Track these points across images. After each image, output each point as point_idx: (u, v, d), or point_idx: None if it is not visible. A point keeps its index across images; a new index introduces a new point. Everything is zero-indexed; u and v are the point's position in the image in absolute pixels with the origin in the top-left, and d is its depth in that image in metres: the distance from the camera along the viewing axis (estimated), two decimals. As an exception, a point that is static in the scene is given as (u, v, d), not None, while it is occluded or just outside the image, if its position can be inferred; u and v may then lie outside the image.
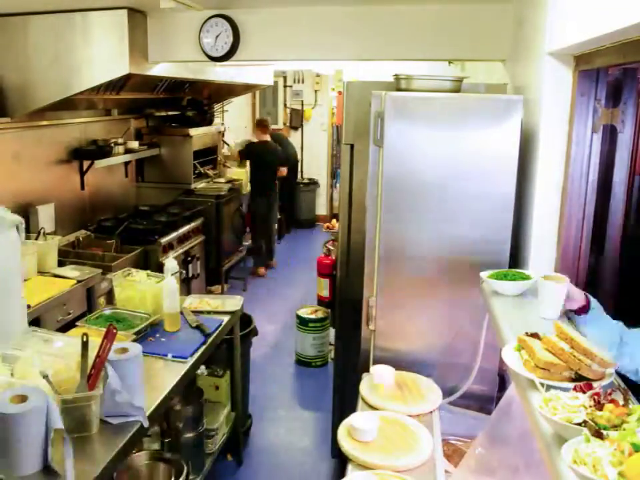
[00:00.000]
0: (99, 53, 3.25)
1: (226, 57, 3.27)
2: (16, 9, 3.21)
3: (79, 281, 3.24)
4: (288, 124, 8.90)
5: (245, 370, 3.34)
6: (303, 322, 4.41)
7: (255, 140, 6.33)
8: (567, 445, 1.01)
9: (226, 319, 2.82)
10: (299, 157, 8.64)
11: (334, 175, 8.92)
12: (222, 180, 5.83)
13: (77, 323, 2.57)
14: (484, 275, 2.01)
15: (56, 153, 3.95)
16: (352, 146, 2.75)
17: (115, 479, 2.18)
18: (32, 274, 3.24)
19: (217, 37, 3.24)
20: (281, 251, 7.14)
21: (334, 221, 4.83)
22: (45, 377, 1.75)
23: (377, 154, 2.29)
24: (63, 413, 1.71)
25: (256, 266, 6.34)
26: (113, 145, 4.38)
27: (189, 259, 4.59)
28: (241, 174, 6.20)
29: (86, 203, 4.32)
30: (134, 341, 2.33)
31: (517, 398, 1.52)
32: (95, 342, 1.85)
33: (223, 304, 2.96)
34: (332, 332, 4.16)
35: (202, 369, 3.05)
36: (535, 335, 1.43)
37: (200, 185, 5.39)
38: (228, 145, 6.60)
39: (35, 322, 2.80)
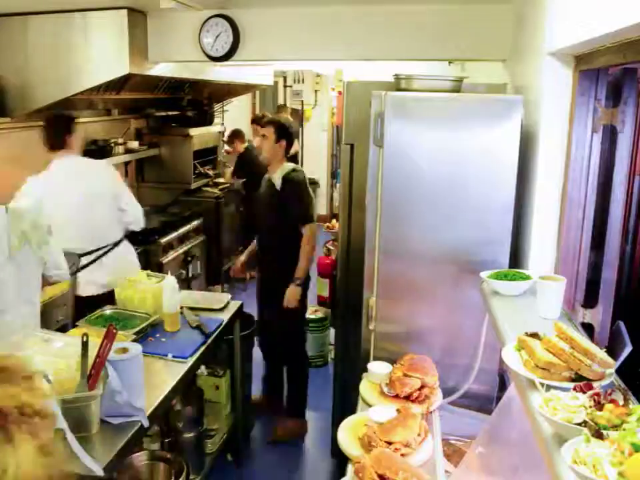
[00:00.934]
0: (99, 53, 3.25)
1: (226, 57, 3.27)
2: (16, 8, 3.21)
3: (79, 281, 3.24)
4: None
5: (245, 370, 3.33)
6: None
7: (238, 151, 6.04)
8: (566, 445, 1.01)
9: (226, 318, 2.82)
10: (299, 157, 8.64)
11: (334, 175, 8.92)
12: (222, 180, 5.82)
13: (76, 323, 2.57)
14: (484, 274, 2.01)
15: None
16: (352, 146, 2.75)
17: (115, 479, 2.18)
18: (32, 274, 3.24)
19: (217, 37, 3.24)
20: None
21: (334, 221, 4.83)
22: (45, 376, 1.75)
23: (376, 154, 2.29)
24: (63, 413, 1.71)
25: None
26: (112, 144, 4.38)
27: (189, 258, 4.59)
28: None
29: (86, 202, 4.31)
30: (134, 341, 2.33)
31: (516, 398, 1.52)
32: (95, 342, 1.85)
33: (209, 301, 2.96)
34: (332, 332, 4.16)
35: (202, 369, 3.05)
36: (534, 335, 1.44)
37: (200, 185, 5.38)
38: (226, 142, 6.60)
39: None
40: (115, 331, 1.87)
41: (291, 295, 3.21)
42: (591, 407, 1.10)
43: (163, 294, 2.59)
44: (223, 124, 6.08)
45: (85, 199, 3.08)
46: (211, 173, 5.62)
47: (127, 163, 4.86)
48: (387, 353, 2.39)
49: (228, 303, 2.99)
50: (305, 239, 3.21)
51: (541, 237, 2.19)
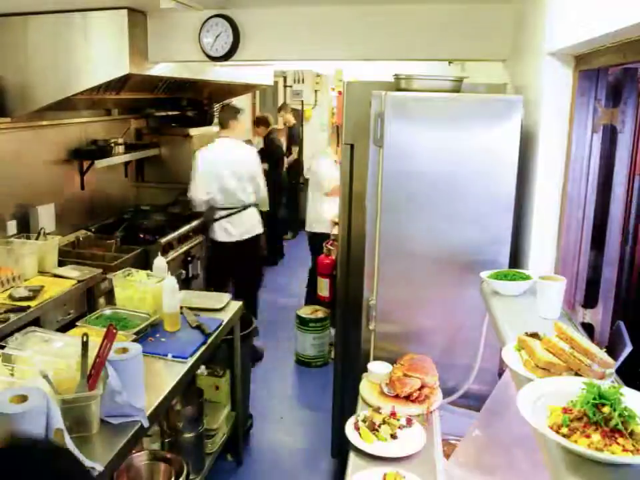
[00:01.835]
0: (98, 53, 3.25)
1: (226, 56, 3.27)
2: (16, 8, 3.21)
3: (79, 281, 3.24)
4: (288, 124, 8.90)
5: (245, 370, 3.34)
6: (303, 322, 4.41)
7: (262, 135, 6.65)
8: None
9: (226, 318, 2.82)
10: (299, 157, 8.65)
11: (334, 175, 8.91)
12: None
13: (76, 323, 2.57)
14: (484, 274, 2.01)
15: (56, 153, 3.95)
16: (352, 146, 2.75)
17: (114, 479, 2.18)
18: (32, 274, 3.24)
19: (217, 36, 3.24)
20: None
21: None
22: (45, 376, 1.76)
23: (376, 154, 2.29)
24: (63, 413, 1.72)
25: None
26: (113, 144, 4.37)
27: (189, 258, 4.58)
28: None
29: (86, 202, 4.32)
30: (134, 341, 2.33)
31: (511, 382, 1.52)
32: (95, 342, 1.85)
33: (209, 301, 2.96)
34: (332, 332, 4.17)
35: (202, 369, 3.05)
36: (534, 335, 1.44)
37: (200, 185, 5.37)
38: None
39: (35, 322, 2.80)
40: (114, 331, 1.87)
41: None
42: None
43: (163, 294, 2.59)
44: (222, 124, 6.08)
45: (231, 169, 4.21)
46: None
47: (126, 163, 4.85)
48: (387, 352, 2.39)
49: (228, 302, 2.99)
50: None
51: (541, 237, 2.19)
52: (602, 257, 2.12)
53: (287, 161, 7.67)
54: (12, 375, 1.86)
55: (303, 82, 8.86)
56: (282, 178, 6.96)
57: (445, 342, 2.35)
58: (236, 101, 6.54)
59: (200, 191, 4.21)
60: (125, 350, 1.92)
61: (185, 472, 2.31)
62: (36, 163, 3.76)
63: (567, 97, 2.05)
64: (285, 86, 8.88)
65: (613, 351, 1.41)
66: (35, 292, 2.95)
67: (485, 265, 2.13)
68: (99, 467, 1.62)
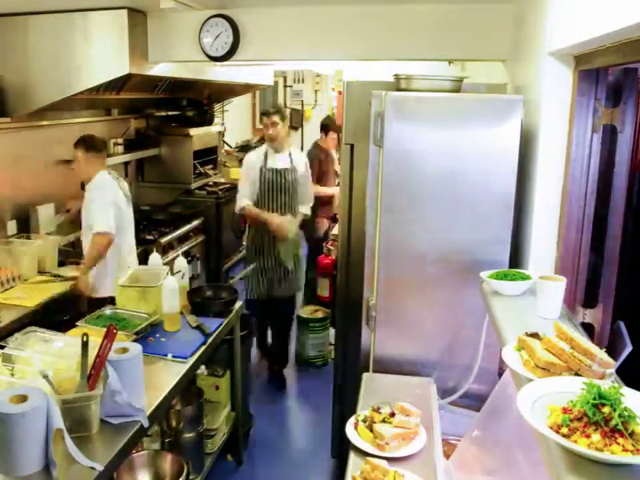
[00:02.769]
0: (98, 53, 3.25)
1: (226, 56, 3.27)
2: (16, 8, 3.21)
3: (79, 281, 3.24)
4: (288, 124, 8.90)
5: (245, 370, 3.34)
6: (303, 322, 4.40)
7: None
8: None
9: (226, 318, 2.82)
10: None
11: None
12: (222, 180, 5.82)
13: (76, 323, 2.57)
14: (484, 274, 2.01)
15: (56, 153, 3.95)
16: (352, 146, 2.75)
17: (115, 479, 2.18)
18: (32, 274, 3.24)
19: (217, 36, 3.24)
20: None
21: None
22: (45, 376, 1.75)
23: (376, 154, 2.29)
24: (63, 413, 1.72)
25: None
26: (112, 145, 4.38)
27: (189, 258, 4.59)
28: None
29: (86, 202, 4.31)
30: (134, 341, 2.33)
31: (511, 383, 1.52)
32: (95, 342, 1.85)
33: None
34: (332, 332, 4.16)
35: (202, 369, 3.05)
36: (534, 335, 1.43)
37: (200, 184, 5.38)
38: (229, 145, 6.60)
39: (35, 322, 2.80)
40: (115, 331, 1.87)
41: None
42: None
43: (163, 294, 2.59)
44: (223, 124, 6.08)
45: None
46: (210, 172, 5.62)
47: (126, 163, 4.85)
48: (387, 352, 2.39)
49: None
50: None
51: (540, 237, 2.19)
52: (602, 256, 2.12)
53: None
54: (12, 375, 1.86)
55: (302, 82, 8.86)
56: None
57: (445, 342, 2.35)
58: (236, 101, 6.56)
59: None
60: (125, 350, 1.92)
61: (184, 472, 2.31)
62: (36, 163, 3.76)
63: (567, 96, 2.05)
64: (285, 86, 8.88)
65: (612, 350, 1.41)
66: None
67: (485, 265, 2.13)
68: (99, 467, 1.62)
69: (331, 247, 4.40)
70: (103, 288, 3.22)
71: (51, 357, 1.98)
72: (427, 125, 2.26)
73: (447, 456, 2.01)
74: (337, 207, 4.62)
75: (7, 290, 2.99)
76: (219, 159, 5.98)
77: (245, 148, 7.14)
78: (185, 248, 4.56)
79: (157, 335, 2.53)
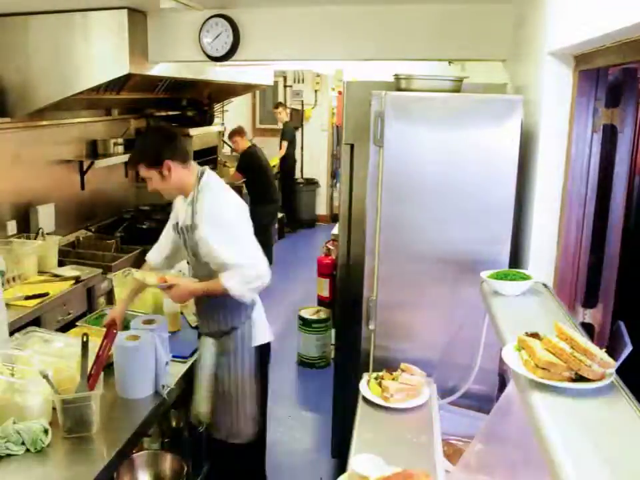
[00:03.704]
0: (98, 53, 3.25)
1: (226, 56, 3.27)
2: (16, 8, 3.21)
3: (79, 281, 3.24)
4: (288, 124, 8.91)
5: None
6: (305, 323, 4.39)
7: (242, 148, 6.01)
8: None
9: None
10: (299, 156, 8.66)
11: (334, 175, 8.92)
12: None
13: (76, 323, 2.57)
14: (484, 274, 2.01)
15: (56, 153, 3.95)
16: (352, 146, 2.75)
17: (115, 479, 2.18)
18: (32, 274, 3.24)
19: (217, 36, 3.24)
20: (281, 251, 7.13)
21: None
22: (45, 376, 1.76)
23: (377, 154, 2.28)
24: (63, 413, 1.72)
25: None
26: (112, 144, 4.38)
27: (189, 258, 4.58)
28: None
29: (86, 203, 4.32)
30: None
31: (515, 395, 1.52)
32: (95, 342, 1.86)
33: None
34: (333, 332, 4.16)
35: (202, 369, 3.04)
36: (535, 335, 1.43)
37: (200, 184, 5.37)
38: (229, 145, 6.59)
39: (35, 322, 2.80)
40: (115, 331, 1.87)
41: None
42: None
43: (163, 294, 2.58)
44: (223, 124, 6.09)
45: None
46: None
47: (127, 163, 4.84)
48: (387, 352, 2.39)
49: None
50: None
51: (540, 237, 2.19)
52: (602, 256, 2.12)
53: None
54: (12, 375, 1.86)
55: (302, 82, 8.86)
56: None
57: (444, 342, 2.35)
58: (236, 101, 6.56)
59: None
60: (135, 337, 2.06)
61: (184, 472, 2.31)
62: (36, 163, 3.76)
63: (567, 96, 2.05)
64: (285, 86, 8.88)
65: (613, 350, 1.41)
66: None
67: (485, 265, 2.13)
68: (99, 467, 1.62)
69: (331, 247, 4.40)
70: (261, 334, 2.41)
71: (51, 357, 1.98)
72: (427, 124, 2.26)
73: (447, 456, 2.00)
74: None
75: (6, 290, 2.99)
76: (219, 158, 5.97)
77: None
78: (184, 248, 4.56)
79: (157, 335, 2.53)
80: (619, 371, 1.37)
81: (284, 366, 4.47)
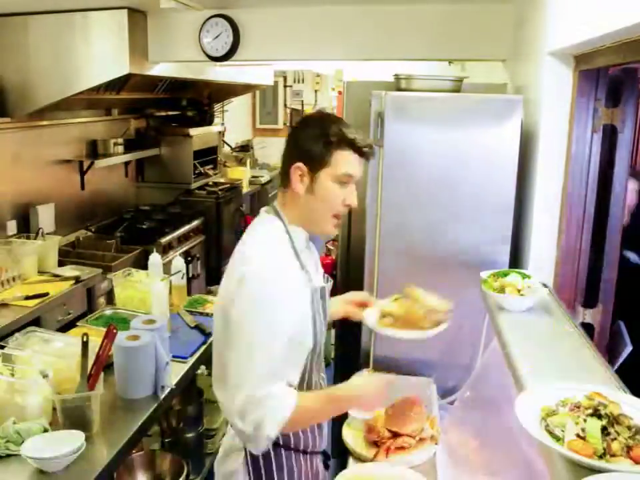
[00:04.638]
0: (98, 53, 3.25)
1: (226, 57, 3.27)
2: (16, 8, 3.21)
3: (79, 281, 3.24)
4: (288, 124, 8.89)
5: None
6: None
7: None
8: None
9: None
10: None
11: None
12: (222, 180, 5.82)
13: (77, 323, 2.57)
14: (484, 274, 2.01)
15: (56, 153, 3.95)
16: (352, 146, 2.74)
17: (115, 479, 2.18)
18: (32, 274, 3.24)
19: (217, 36, 3.24)
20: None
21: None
22: (45, 376, 1.76)
23: (377, 154, 2.28)
24: (63, 413, 1.72)
25: None
26: (112, 144, 4.38)
27: (189, 258, 4.58)
28: (240, 173, 6.20)
29: (86, 203, 4.31)
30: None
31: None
32: (95, 342, 1.86)
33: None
34: (332, 332, 4.16)
35: (202, 369, 3.04)
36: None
37: (200, 184, 5.38)
38: (229, 145, 6.60)
39: (35, 322, 2.80)
40: (115, 331, 1.87)
41: None
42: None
43: (152, 298, 2.58)
44: (223, 124, 6.09)
45: None
46: (210, 173, 5.62)
47: (126, 163, 4.85)
48: (387, 352, 2.39)
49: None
50: None
51: (540, 237, 2.19)
52: (602, 257, 2.12)
53: None
54: (12, 375, 1.86)
55: (302, 82, 8.86)
56: None
57: (444, 342, 2.35)
58: (236, 101, 6.56)
59: None
60: (135, 337, 2.04)
61: (184, 472, 2.31)
62: (36, 163, 3.76)
63: (567, 96, 2.05)
64: (285, 86, 8.88)
65: (613, 350, 1.41)
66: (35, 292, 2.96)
67: (485, 265, 2.13)
68: (99, 467, 1.62)
69: (331, 247, 4.40)
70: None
71: (51, 357, 1.98)
72: (427, 124, 2.26)
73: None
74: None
75: (6, 290, 2.99)
76: (219, 158, 5.97)
77: (245, 148, 7.16)
78: (184, 248, 4.56)
79: (157, 335, 2.53)
80: (619, 371, 1.37)
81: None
